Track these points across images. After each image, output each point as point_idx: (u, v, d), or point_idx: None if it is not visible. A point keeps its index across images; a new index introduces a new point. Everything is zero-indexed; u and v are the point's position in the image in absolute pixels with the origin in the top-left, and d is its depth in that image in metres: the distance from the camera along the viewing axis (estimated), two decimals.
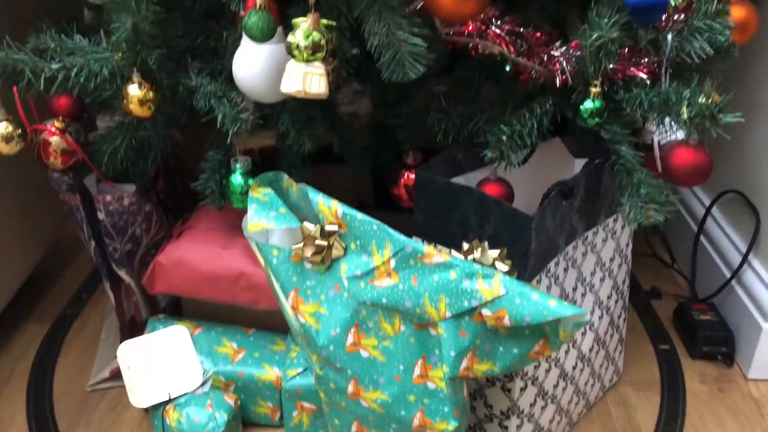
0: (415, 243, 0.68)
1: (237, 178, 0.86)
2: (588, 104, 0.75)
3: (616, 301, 0.95)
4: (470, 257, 0.67)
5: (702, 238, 1.20)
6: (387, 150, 1.04)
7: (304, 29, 0.67)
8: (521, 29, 0.79)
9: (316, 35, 0.67)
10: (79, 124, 0.91)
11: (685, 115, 0.70)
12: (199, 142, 0.94)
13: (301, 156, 0.92)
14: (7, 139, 0.79)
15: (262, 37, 0.71)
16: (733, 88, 0.75)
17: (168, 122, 0.91)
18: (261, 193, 0.74)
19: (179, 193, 1.08)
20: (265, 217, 0.72)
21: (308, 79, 0.68)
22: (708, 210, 1.18)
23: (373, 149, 1.09)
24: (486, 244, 0.68)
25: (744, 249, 1.08)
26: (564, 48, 0.79)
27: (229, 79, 0.81)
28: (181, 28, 0.88)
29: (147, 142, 0.91)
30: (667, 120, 0.75)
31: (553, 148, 0.91)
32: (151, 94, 0.80)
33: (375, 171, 1.16)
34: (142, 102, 0.79)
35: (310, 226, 0.71)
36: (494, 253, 0.67)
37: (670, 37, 0.77)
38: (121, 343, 0.93)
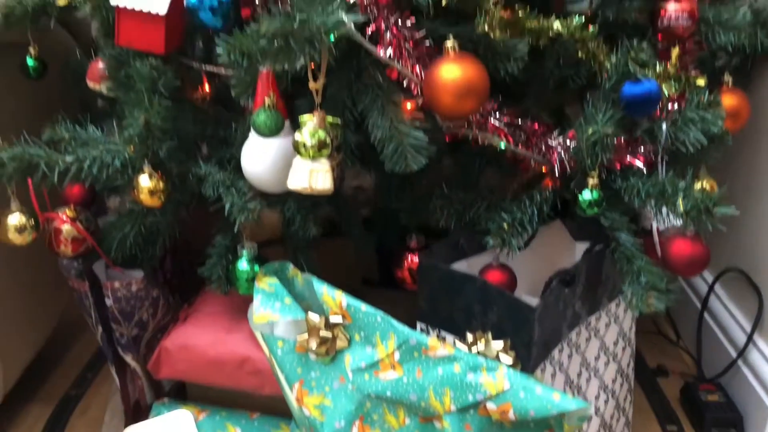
0: (419, 335, 0.68)
1: (243, 265, 0.87)
2: (586, 195, 0.77)
3: (621, 385, 0.94)
4: (474, 349, 0.68)
5: (706, 315, 1.20)
6: (391, 230, 1.06)
7: (310, 129, 0.69)
8: (519, 120, 0.82)
9: (321, 134, 0.70)
10: (90, 211, 0.93)
11: (681, 208, 0.71)
12: (207, 222, 0.95)
13: (307, 240, 0.94)
14: (20, 230, 0.81)
15: (270, 133, 0.73)
16: (730, 169, 0.77)
17: (176, 209, 0.92)
18: (266, 283, 0.75)
19: (186, 273, 1.09)
20: (270, 308, 0.73)
21: (314, 176, 0.70)
22: (711, 288, 1.19)
23: (377, 229, 1.10)
24: (490, 335, 0.68)
25: (748, 328, 1.08)
26: (561, 138, 0.81)
27: (238, 168, 0.83)
28: (191, 118, 0.92)
29: (156, 228, 0.93)
30: (664, 209, 0.77)
31: (554, 230, 0.92)
32: (161, 184, 0.82)
33: (380, 248, 1.17)
34: (152, 192, 0.81)
35: (314, 317, 0.71)
36: (498, 344, 0.68)
37: (664, 126, 0.80)
38: (125, 426, 0.92)
